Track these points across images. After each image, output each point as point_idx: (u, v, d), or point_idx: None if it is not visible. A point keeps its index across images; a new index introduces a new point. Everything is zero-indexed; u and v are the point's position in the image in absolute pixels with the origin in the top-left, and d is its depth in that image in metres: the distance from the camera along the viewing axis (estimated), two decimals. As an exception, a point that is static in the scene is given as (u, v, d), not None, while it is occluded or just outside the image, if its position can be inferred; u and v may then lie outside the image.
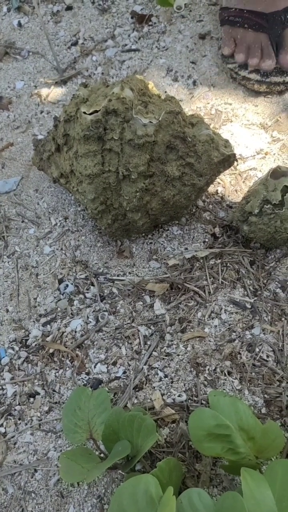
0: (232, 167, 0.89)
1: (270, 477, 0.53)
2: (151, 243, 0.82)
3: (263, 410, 0.66)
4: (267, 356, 0.70)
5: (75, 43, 1.11)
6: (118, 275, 0.79)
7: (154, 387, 0.68)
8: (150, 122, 0.68)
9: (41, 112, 1.03)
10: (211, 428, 0.57)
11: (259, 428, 0.58)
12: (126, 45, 1.10)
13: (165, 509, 0.48)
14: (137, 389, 0.69)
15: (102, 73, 1.06)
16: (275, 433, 0.58)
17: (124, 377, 0.70)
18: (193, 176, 0.72)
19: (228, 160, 0.75)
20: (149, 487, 0.51)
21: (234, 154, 0.75)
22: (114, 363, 0.71)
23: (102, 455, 0.62)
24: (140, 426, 0.59)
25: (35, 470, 0.65)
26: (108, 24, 1.14)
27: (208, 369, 0.69)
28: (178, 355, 0.71)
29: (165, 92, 1.01)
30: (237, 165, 0.89)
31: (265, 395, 0.67)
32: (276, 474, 0.53)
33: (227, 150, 0.74)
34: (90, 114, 0.68)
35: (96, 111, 0.68)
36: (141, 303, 0.76)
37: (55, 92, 1.05)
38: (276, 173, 0.74)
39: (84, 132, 0.68)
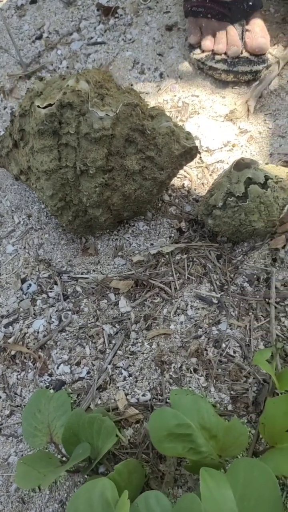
0: (198, 160, 0.88)
1: (232, 477, 0.51)
2: (116, 239, 0.80)
3: (229, 407, 0.64)
4: (234, 352, 0.69)
5: (39, 37, 1.09)
6: (82, 273, 0.77)
7: (118, 387, 0.67)
8: (107, 115, 0.66)
9: (5, 108, 1.00)
10: (171, 428, 0.55)
11: (222, 426, 0.56)
12: (91, 38, 1.08)
13: (120, 514, 0.47)
14: (101, 390, 0.67)
15: (67, 67, 1.04)
16: (238, 430, 0.57)
17: (88, 378, 0.68)
18: (154, 169, 0.71)
19: (190, 153, 0.73)
20: (105, 491, 0.49)
21: (196, 147, 0.73)
22: (78, 364, 0.69)
23: (64, 458, 0.60)
24: (100, 428, 0.57)
25: (-4, 477, 0.63)
26: (73, 17, 1.11)
27: (174, 366, 0.68)
28: (143, 353, 0.69)
29: (131, 85, 0.99)
30: (200, 157, 0.88)
31: (232, 392, 0.65)
32: (238, 473, 0.51)
33: (188, 143, 0.72)
34: (45, 107, 0.66)
35: (50, 105, 0.66)
36: (106, 301, 0.74)
37: (19, 88, 1.02)
38: (239, 165, 0.72)
39: (39, 127, 0.66)
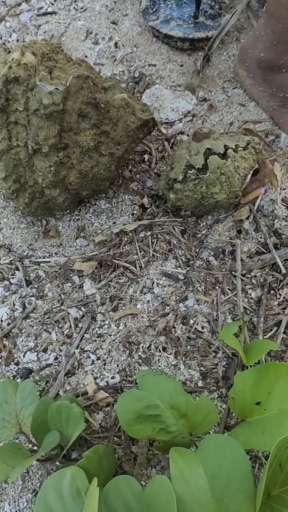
0: (158, 132, 0.85)
1: (202, 455, 0.51)
2: (78, 219, 0.78)
3: (200, 384, 0.64)
4: (202, 328, 0.68)
5: (-15, 9, 1.02)
6: (44, 257, 0.75)
7: (87, 371, 0.65)
8: (56, 89, 0.62)
9: None
10: (140, 410, 0.54)
11: (191, 405, 0.56)
12: (41, 8, 1.02)
13: (90, 502, 0.46)
14: (69, 375, 0.65)
15: (17, 40, 0.98)
16: (207, 407, 0.56)
17: (56, 364, 0.67)
18: (110, 145, 0.68)
19: (147, 125, 0.71)
20: (75, 480, 0.48)
21: (153, 118, 0.71)
22: (45, 350, 0.68)
23: (35, 448, 0.59)
24: (68, 416, 0.56)
25: None
26: (20, -14, 1.05)
27: (142, 346, 0.66)
28: (110, 335, 0.68)
29: (86, 56, 0.95)
30: (159, 129, 0.85)
31: (201, 368, 0.65)
32: (208, 451, 0.51)
33: (144, 115, 0.69)
34: (-11, 84, 0.62)
35: (-5, 81, 0.62)
36: (70, 284, 0.72)
37: None
38: (198, 136, 0.70)
39: (-16, 105, 0.62)
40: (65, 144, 0.66)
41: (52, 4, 1.02)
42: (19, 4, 1.03)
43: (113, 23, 0.98)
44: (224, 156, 0.68)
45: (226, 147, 0.68)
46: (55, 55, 0.68)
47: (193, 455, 0.50)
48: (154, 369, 0.64)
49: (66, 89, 0.63)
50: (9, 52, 0.68)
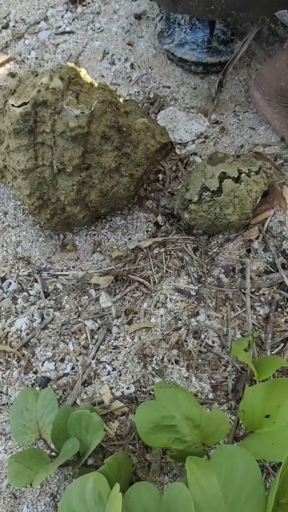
0: (172, 152, 0.89)
1: (216, 464, 0.54)
2: (94, 234, 0.81)
3: (210, 396, 0.67)
4: (213, 342, 0.71)
5: (5, 26, 1.06)
6: (62, 270, 0.78)
7: (103, 381, 0.68)
8: (82, 112, 0.66)
9: (-26, 101, 0.98)
10: (157, 420, 0.58)
11: (204, 416, 0.59)
12: (60, 27, 1.06)
13: (112, 506, 0.49)
14: (86, 385, 0.69)
15: (36, 58, 1.02)
16: (220, 419, 0.60)
17: (73, 373, 0.70)
18: (130, 166, 0.72)
19: (165, 148, 0.74)
20: (97, 485, 0.51)
21: (171, 142, 0.74)
22: (62, 360, 0.71)
23: (53, 453, 0.62)
24: (88, 424, 0.59)
25: (-14, 474, 0.64)
26: (40, 5, 1.09)
27: (156, 359, 0.70)
28: (125, 347, 0.71)
29: (102, 76, 0.99)
30: (177, 150, 0.89)
31: (212, 381, 0.68)
32: (221, 460, 0.54)
33: (163, 138, 0.73)
34: (19, 106, 0.65)
35: (25, 103, 0.65)
36: (87, 297, 0.75)
37: (-13, 80, 1.00)
38: (213, 159, 0.74)
39: (14, 126, 0.65)
40: (88, 164, 0.69)
41: (70, 23, 1.06)
42: (38, 23, 1.07)
43: (129, 44, 1.02)
44: (237, 180, 0.72)
45: (240, 172, 0.72)
46: (80, 79, 0.72)
47: (208, 463, 0.54)
48: (167, 380, 0.68)
49: (91, 113, 0.66)
50: (37, 75, 0.71)
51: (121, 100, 0.75)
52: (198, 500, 0.50)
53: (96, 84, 0.73)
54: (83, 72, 0.74)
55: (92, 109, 0.67)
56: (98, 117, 0.67)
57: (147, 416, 0.58)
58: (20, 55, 1.02)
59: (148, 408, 0.58)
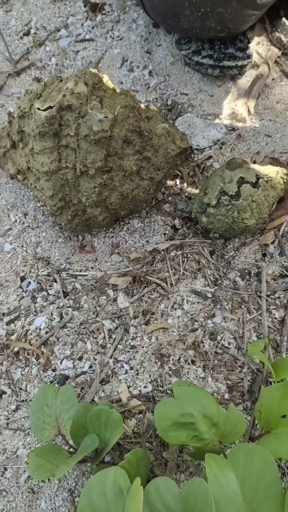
0: (189, 158, 0.90)
1: (233, 461, 0.55)
2: (112, 237, 0.83)
3: (226, 396, 0.68)
4: (229, 343, 0.72)
5: (27, 33, 1.09)
6: (80, 270, 0.79)
7: (120, 380, 0.70)
8: (106, 117, 0.67)
9: (-5, 105, 1.00)
10: (176, 418, 0.59)
11: (222, 415, 0.60)
12: (79, 34, 1.08)
13: (133, 500, 0.50)
14: (103, 383, 0.70)
15: (56, 64, 1.04)
16: (237, 418, 0.61)
17: (91, 372, 0.71)
18: (151, 170, 0.73)
19: (185, 153, 0.76)
20: (118, 479, 0.52)
21: (191, 147, 0.76)
22: (80, 358, 0.72)
23: (71, 449, 0.63)
24: (107, 420, 0.60)
25: (5, 469, 0.65)
26: (60, 13, 1.12)
27: (172, 359, 0.71)
28: (143, 347, 0.72)
29: (121, 83, 1.01)
30: (194, 156, 0.90)
31: (228, 381, 0.69)
32: (238, 458, 0.55)
33: (183, 143, 0.75)
34: (45, 110, 0.67)
35: (50, 107, 0.67)
36: (105, 297, 0.77)
37: (9, 85, 1.03)
38: (232, 165, 0.75)
39: (39, 129, 0.67)
40: (110, 167, 0.71)
41: (90, 31, 1.09)
42: (59, 30, 1.09)
43: (148, 52, 1.05)
44: (255, 185, 0.73)
45: (258, 177, 0.74)
46: (103, 85, 0.74)
47: (226, 461, 0.55)
48: (185, 380, 0.69)
49: (114, 117, 0.68)
50: (61, 80, 0.73)
51: (142, 106, 0.77)
52: (217, 496, 0.51)
53: (118, 90, 0.75)
54: (105, 78, 0.76)
55: (115, 113, 0.68)
56: (120, 121, 0.69)
57: (165, 413, 0.59)
58: (41, 61, 1.05)
59: (167, 405, 0.59)
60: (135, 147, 0.71)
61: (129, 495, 0.51)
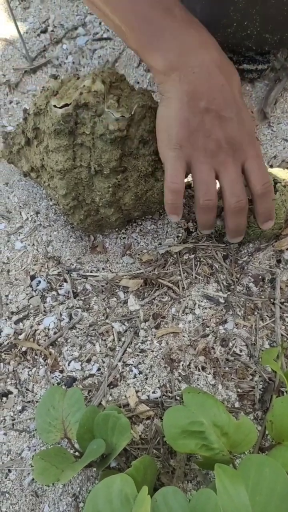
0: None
1: (244, 472, 0.53)
2: (124, 238, 0.82)
3: (236, 404, 0.67)
4: (240, 351, 0.71)
5: (44, 31, 1.08)
6: (91, 271, 0.78)
7: (129, 384, 0.68)
8: (122, 116, 0.66)
9: (10, 102, 1.00)
10: (185, 426, 0.57)
11: (232, 424, 0.58)
12: (97, 33, 1.08)
13: (140, 509, 0.48)
14: (111, 386, 0.68)
15: (73, 62, 1.03)
16: (248, 428, 0.59)
17: (99, 374, 0.70)
18: (166, 171, 0.72)
19: (201, 155, 0.74)
20: (124, 487, 0.51)
21: (207, 149, 0.74)
22: (88, 361, 0.71)
23: (77, 453, 0.62)
24: (114, 425, 0.59)
25: (9, 471, 0.64)
26: (78, 11, 1.11)
27: (182, 364, 0.69)
28: (153, 351, 0.71)
29: (138, 83, 1.00)
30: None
31: (238, 389, 0.68)
32: (249, 469, 0.53)
33: (200, 145, 0.73)
34: (61, 107, 0.66)
35: (66, 105, 0.66)
36: (115, 299, 0.76)
37: (25, 82, 1.02)
38: (248, 168, 0.73)
39: (55, 127, 0.66)
40: (125, 167, 0.70)
41: (108, 30, 1.08)
42: (76, 28, 1.08)
43: (165, 53, 1.03)
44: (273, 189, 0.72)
45: (275, 181, 0.72)
46: (121, 83, 0.73)
47: (235, 472, 0.53)
48: (195, 387, 0.67)
49: (131, 117, 0.67)
50: (78, 78, 0.72)
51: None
52: (226, 507, 0.50)
53: (136, 89, 0.74)
54: (123, 77, 0.75)
55: (132, 113, 0.67)
56: (137, 121, 0.68)
57: (175, 420, 0.57)
58: (58, 59, 1.04)
59: (176, 413, 0.58)
60: (151, 148, 0.70)
61: (135, 503, 0.50)
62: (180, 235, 0.81)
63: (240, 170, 0.66)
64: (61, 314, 0.75)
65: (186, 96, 0.63)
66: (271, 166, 0.86)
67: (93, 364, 0.71)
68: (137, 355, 0.71)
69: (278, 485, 0.52)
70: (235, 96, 0.64)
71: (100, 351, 0.72)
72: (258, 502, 0.52)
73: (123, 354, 0.71)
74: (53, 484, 0.63)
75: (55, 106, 0.66)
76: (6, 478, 0.63)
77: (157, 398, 0.67)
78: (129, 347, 0.72)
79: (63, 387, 0.69)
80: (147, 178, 0.72)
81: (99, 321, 0.74)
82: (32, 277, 0.78)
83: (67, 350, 0.72)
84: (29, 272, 0.79)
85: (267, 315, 0.74)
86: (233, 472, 0.53)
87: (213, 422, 0.58)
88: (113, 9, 0.65)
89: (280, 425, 0.59)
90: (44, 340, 0.73)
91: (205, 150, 0.64)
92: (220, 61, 0.65)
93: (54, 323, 0.74)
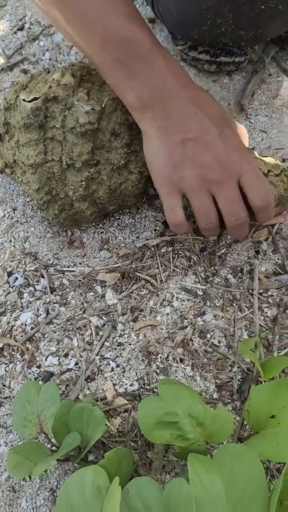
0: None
1: (219, 462, 0.53)
2: (102, 232, 0.81)
3: (215, 395, 0.66)
4: (219, 342, 0.70)
5: (21, 28, 1.08)
6: (68, 266, 0.78)
7: (106, 378, 0.68)
8: (93, 109, 0.66)
9: (-13, 100, 0.99)
10: (160, 416, 0.57)
11: (208, 414, 0.58)
12: (74, 30, 1.07)
13: (111, 500, 0.48)
14: (89, 380, 0.68)
15: (50, 59, 1.03)
16: (224, 418, 0.59)
17: (76, 369, 0.69)
18: (140, 164, 0.72)
19: (175, 147, 0.74)
20: (96, 478, 0.51)
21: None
22: (66, 355, 0.70)
23: (54, 448, 0.61)
24: (89, 418, 0.58)
25: (-14, 468, 0.63)
26: (55, 8, 1.10)
27: (160, 357, 0.69)
28: (130, 344, 0.70)
29: (115, 78, 1.00)
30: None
31: (217, 380, 0.67)
32: (225, 459, 0.53)
33: (173, 136, 0.73)
34: (30, 101, 0.66)
35: (35, 98, 0.66)
36: (93, 293, 0.75)
37: (1, 79, 1.02)
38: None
39: (24, 121, 0.66)
40: (97, 160, 0.70)
41: (85, 27, 1.07)
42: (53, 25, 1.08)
43: (142, 47, 1.03)
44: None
45: (269, 172, 0.71)
46: (92, 77, 0.72)
47: (210, 461, 0.53)
48: (172, 379, 0.67)
49: (102, 109, 0.67)
50: (49, 72, 0.72)
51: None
52: (199, 497, 0.49)
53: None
54: (95, 70, 0.74)
55: (103, 105, 0.67)
56: (108, 114, 0.68)
57: (149, 412, 0.57)
58: (34, 56, 1.04)
59: (151, 404, 0.57)
60: (123, 140, 0.70)
61: (107, 495, 0.50)
62: (157, 228, 0.80)
63: (236, 186, 0.65)
64: (38, 310, 0.74)
65: (162, 133, 0.64)
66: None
67: (71, 359, 0.70)
68: (115, 348, 0.70)
69: (253, 474, 0.52)
70: (212, 119, 0.64)
71: (77, 346, 0.71)
72: (233, 491, 0.51)
73: (100, 348, 0.71)
74: (30, 479, 0.62)
75: (24, 100, 0.66)
76: (-17, 475, 0.63)
77: (134, 391, 0.66)
78: (107, 341, 0.71)
79: (40, 382, 0.68)
80: (121, 171, 0.71)
81: (77, 315, 0.73)
82: (9, 274, 0.77)
83: (44, 345, 0.71)
84: (6, 269, 0.78)
85: (245, 306, 0.73)
86: (208, 462, 0.53)
87: (188, 413, 0.57)
88: (86, 42, 0.65)
89: (257, 414, 0.59)
90: (21, 336, 0.72)
91: (195, 176, 0.64)
92: (191, 91, 0.65)
93: (31, 318, 0.73)
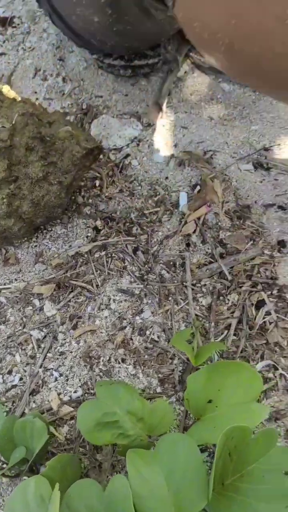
0: (108, 159, 0.90)
1: (159, 452, 0.54)
2: (36, 246, 0.82)
3: (158, 390, 0.68)
4: (158, 337, 0.72)
5: None
6: (4, 284, 0.78)
7: (50, 388, 0.69)
8: (3, 126, 0.67)
9: None
10: (98, 418, 0.58)
11: (147, 409, 0.59)
12: (-9, 49, 1.08)
13: (53, 507, 0.49)
14: (34, 394, 0.69)
15: None
16: (163, 410, 0.60)
17: (21, 384, 0.70)
18: (58, 174, 0.73)
19: (93, 153, 0.76)
20: (39, 488, 0.51)
21: (98, 147, 0.76)
22: (10, 372, 0.71)
23: (4, 465, 0.62)
24: (32, 430, 0.59)
25: None
26: None
27: (102, 360, 0.70)
28: (71, 352, 0.71)
29: (35, 92, 1.01)
30: (108, 156, 0.90)
31: (159, 375, 0.69)
32: (164, 448, 0.55)
33: (89, 144, 0.75)
34: None
35: None
36: (31, 307, 0.76)
37: None
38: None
39: None
40: (16, 176, 0.70)
41: (1, 45, 1.08)
42: None
43: (60, 59, 1.05)
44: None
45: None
46: (2, 95, 0.73)
47: (150, 454, 0.54)
48: (115, 380, 0.68)
49: (13, 126, 0.68)
50: None
51: (49, 111, 0.77)
52: (140, 490, 0.51)
53: (19, 99, 0.75)
54: (6, 89, 0.75)
55: (13, 122, 0.68)
56: (20, 129, 0.69)
57: (88, 415, 0.58)
58: None
59: (89, 407, 0.58)
60: (39, 154, 0.71)
61: (50, 502, 0.50)
62: (89, 234, 0.82)
63: None
64: (-22, 331, 0.74)
65: None
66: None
67: (15, 375, 0.71)
68: (57, 358, 0.71)
69: (191, 459, 0.54)
70: None
71: (20, 361, 0.72)
72: (174, 480, 0.53)
73: (43, 360, 0.71)
74: (-18, 499, 0.62)
75: None
76: None
77: (79, 397, 0.67)
78: (49, 352, 0.72)
79: (-14, 402, 0.69)
80: (41, 184, 0.72)
81: (17, 331, 0.74)
82: None
83: (-13, 365, 0.72)
84: None
85: (181, 299, 0.75)
86: (148, 454, 0.54)
87: (127, 410, 0.59)
88: None
89: (195, 401, 0.61)
90: None
91: None
92: None
93: (-28, 341, 0.74)
